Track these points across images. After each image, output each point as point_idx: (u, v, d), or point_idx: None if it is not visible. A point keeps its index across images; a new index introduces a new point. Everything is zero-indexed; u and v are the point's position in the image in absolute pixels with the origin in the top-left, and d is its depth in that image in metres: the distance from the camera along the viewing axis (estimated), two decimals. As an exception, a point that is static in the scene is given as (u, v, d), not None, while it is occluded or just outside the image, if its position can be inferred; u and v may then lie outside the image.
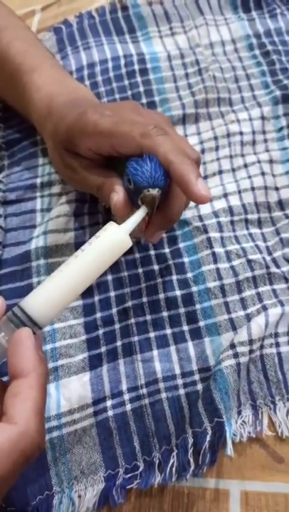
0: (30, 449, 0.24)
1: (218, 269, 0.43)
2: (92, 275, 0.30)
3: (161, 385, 0.39)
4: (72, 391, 0.39)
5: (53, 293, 0.29)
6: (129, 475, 0.36)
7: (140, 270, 0.44)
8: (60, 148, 0.41)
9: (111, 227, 0.31)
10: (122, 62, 0.56)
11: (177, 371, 0.40)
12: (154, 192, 0.32)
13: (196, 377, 0.39)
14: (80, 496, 0.36)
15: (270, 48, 0.56)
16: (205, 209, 0.47)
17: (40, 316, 0.28)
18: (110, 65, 0.56)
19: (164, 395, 0.38)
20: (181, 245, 0.45)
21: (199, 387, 0.39)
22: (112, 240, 0.30)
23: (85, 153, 0.39)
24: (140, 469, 0.36)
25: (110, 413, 0.38)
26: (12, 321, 0.28)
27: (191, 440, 0.36)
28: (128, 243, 0.31)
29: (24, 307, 0.28)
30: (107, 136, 0.36)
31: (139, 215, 0.32)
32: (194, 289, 0.43)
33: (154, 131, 0.34)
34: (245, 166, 0.49)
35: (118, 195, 0.35)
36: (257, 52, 0.57)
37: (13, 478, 0.24)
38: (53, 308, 0.29)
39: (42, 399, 0.25)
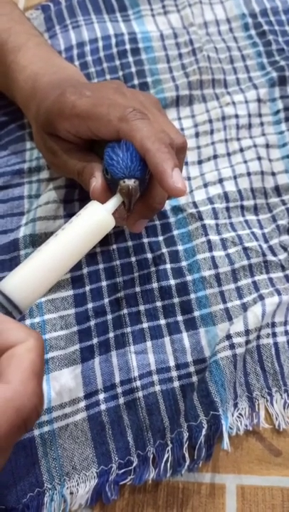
0: (26, 408, 0.22)
1: (213, 258, 0.42)
2: (73, 254, 0.29)
3: (155, 378, 0.38)
4: (64, 384, 0.37)
5: (32, 273, 0.28)
6: (122, 470, 0.35)
7: (133, 259, 0.42)
8: (41, 131, 0.39)
9: (92, 205, 0.30)
10: (113, 41, 0.54)
11: (171, 363, 0.38)
12: (131, 183, 0.31)
13: (191, 369, 0.38)
14: (72, 493, 0.35)
15: (266, 27, 0.54)
16: (200, 195, 0.45)
17: (20, 298, 0.27)
18: (101, 44, 0.53)
19: (158, 388, 0.37)
20: (175, 233, 0.44)
21: (194, 379, 0.38)
22: (94, 217, 0.30)
23: (65, 136, 0.37)
24: (134, 464, 0.35)
25: (103, 407, 0.37)
26: None
27: (186, 434, 0.35)
28: (111, 222, 0.30)
29: (2, 288, 0.27)
30: (84, 118, 0.34)
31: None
32: (189, 278, 0.41)
33: (131, 114, 0.32)
34: (241, 150, 0.48)
35: (97, 180, 0.34)
36: (253, 32, 0.55)
37: (9, 441, 0.22)
38: (33, 289, 0.28)
39: (40, 361, 0.24)
